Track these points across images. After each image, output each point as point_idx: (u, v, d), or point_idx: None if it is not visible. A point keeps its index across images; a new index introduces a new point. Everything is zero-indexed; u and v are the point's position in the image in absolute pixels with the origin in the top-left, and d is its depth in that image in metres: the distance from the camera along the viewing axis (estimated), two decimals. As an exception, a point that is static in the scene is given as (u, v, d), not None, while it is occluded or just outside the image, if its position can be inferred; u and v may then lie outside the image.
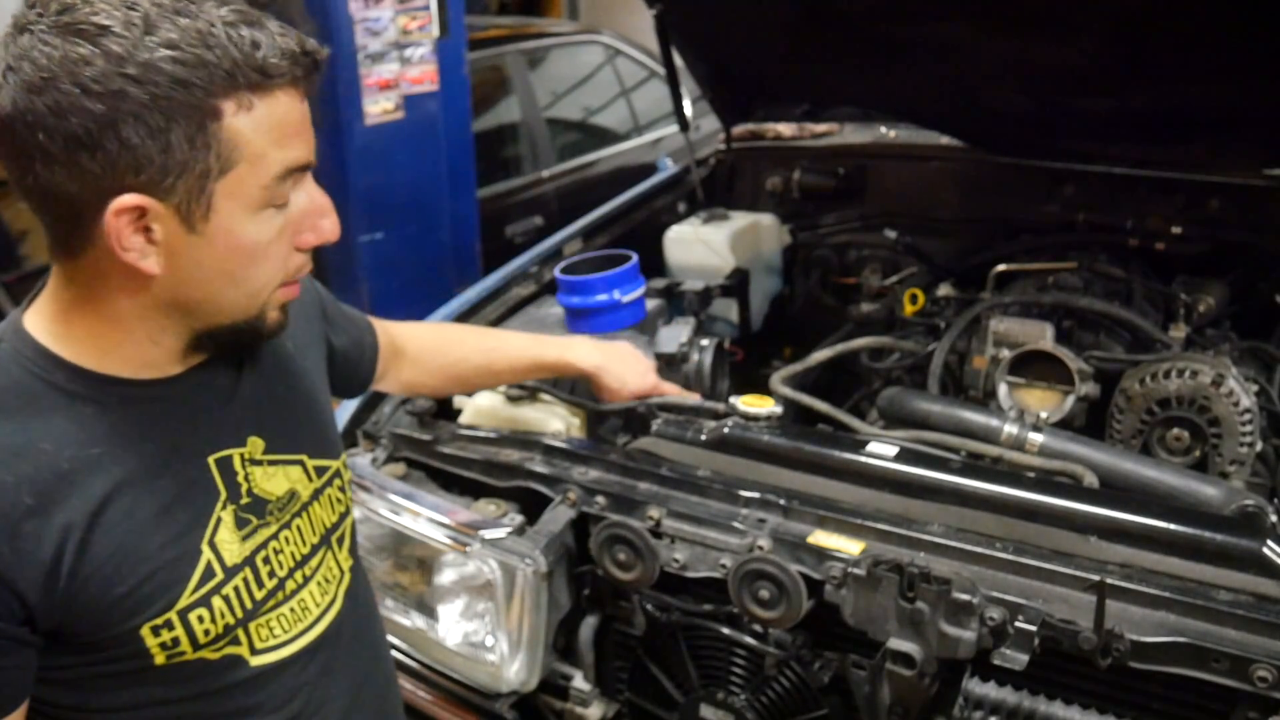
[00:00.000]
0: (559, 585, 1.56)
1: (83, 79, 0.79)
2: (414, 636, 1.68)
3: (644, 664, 1.61)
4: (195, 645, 0.96)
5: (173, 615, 0.94)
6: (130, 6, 0.82)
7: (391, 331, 1.44)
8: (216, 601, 0.97)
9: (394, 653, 1.69)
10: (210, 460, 0.99)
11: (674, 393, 1.67)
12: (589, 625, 1.62)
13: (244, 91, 0.84)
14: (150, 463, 0.94)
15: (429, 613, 1.65)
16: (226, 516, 0.99)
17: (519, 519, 1.56)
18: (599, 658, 1.65)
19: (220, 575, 0.97)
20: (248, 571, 1.00)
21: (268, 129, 0.87)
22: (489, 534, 1.53)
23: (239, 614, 0.99)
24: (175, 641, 0.95)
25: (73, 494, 0.88)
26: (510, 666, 1.58)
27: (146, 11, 0.82)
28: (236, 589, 0.99)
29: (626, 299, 1.81)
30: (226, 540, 0.98)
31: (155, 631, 0.93)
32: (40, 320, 0.93)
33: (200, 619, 0.96)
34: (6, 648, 0.87)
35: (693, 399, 1.66)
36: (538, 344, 1.62)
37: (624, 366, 1.63)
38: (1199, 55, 1.86)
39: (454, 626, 1.63)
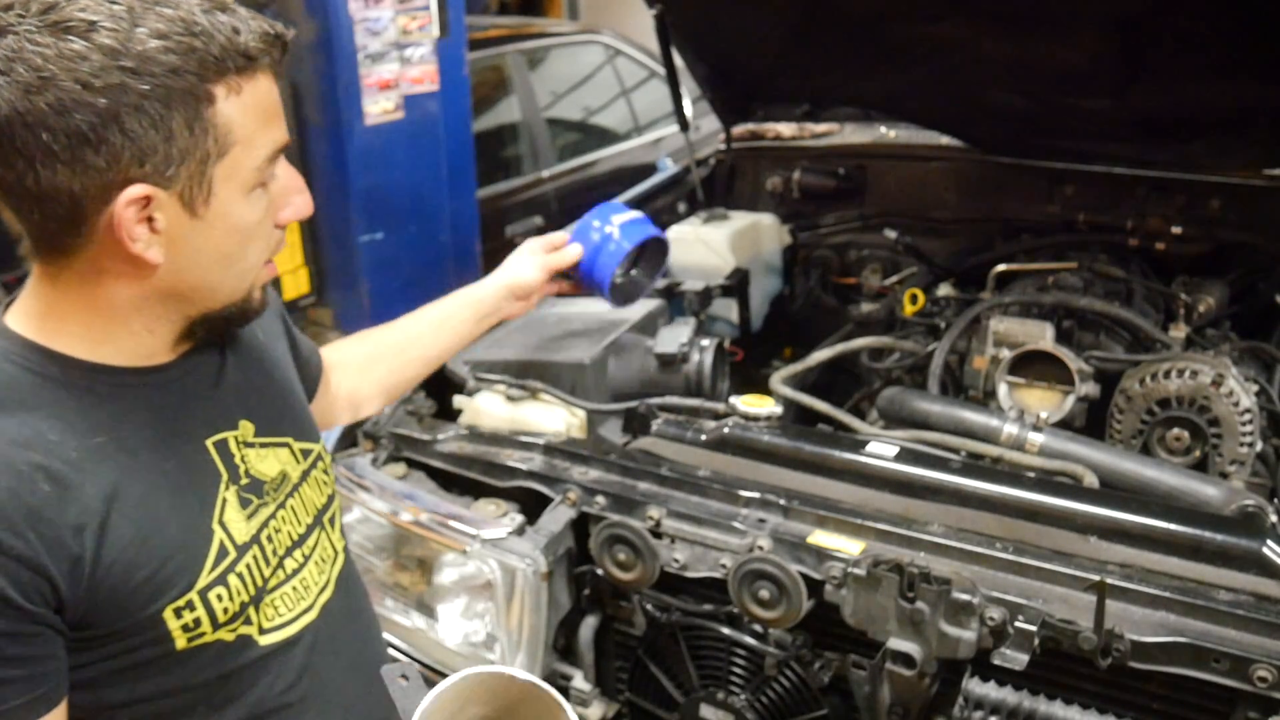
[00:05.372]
0: (559, 585, 1.56)
1: (82, 75, 0.80)
2: (414, 636, 1.68)
3: (644, 664, 1.61)
4: (215, 625, 0.97)
5: (194, 595, 0.95)
6: (113, 0, 0.82)
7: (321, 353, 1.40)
8: (232, 579, 0.98)
9: (394, 653, 1.69)
10: (208, 443, 1.01)
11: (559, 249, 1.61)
12: (589, 625, 1.62)
13: (232, 75, 0.87)
14: (154, 448, 0.95)
15: (429, 613, 1.65)
16: (230, 496, 1.01)
17: (519, 519, 1.56)
18: (599, 658, 1.65)
19: (233, 553, 0.99)
20: (256, 549, 1.02)
21: (255, 111, 0.90)
22: (489, 534, 1.53)
23: (252, 591, 1.01)
24: (197, 622, 0.96)
25: (85, 482, 0.89)
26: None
27: (129, 4, 0.83)
28: (249, 566, 1.00)
29: (618, 223, 1.64)
30: (234, 519, 1.00)
31: (178, 614, 0.94)
32: (25, 318, 0.93)
33: (219, 597, 0.97)
34: (47, 636, 0.87)
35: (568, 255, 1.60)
36: (462, 297, 1.56)
37: (520, 267, 1.56)
38: (1199, 55, 1.86)
39: (454, 626, 1.63)
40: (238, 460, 1.03)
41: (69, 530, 0.87)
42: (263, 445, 1.07)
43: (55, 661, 0.89)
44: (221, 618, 0.97)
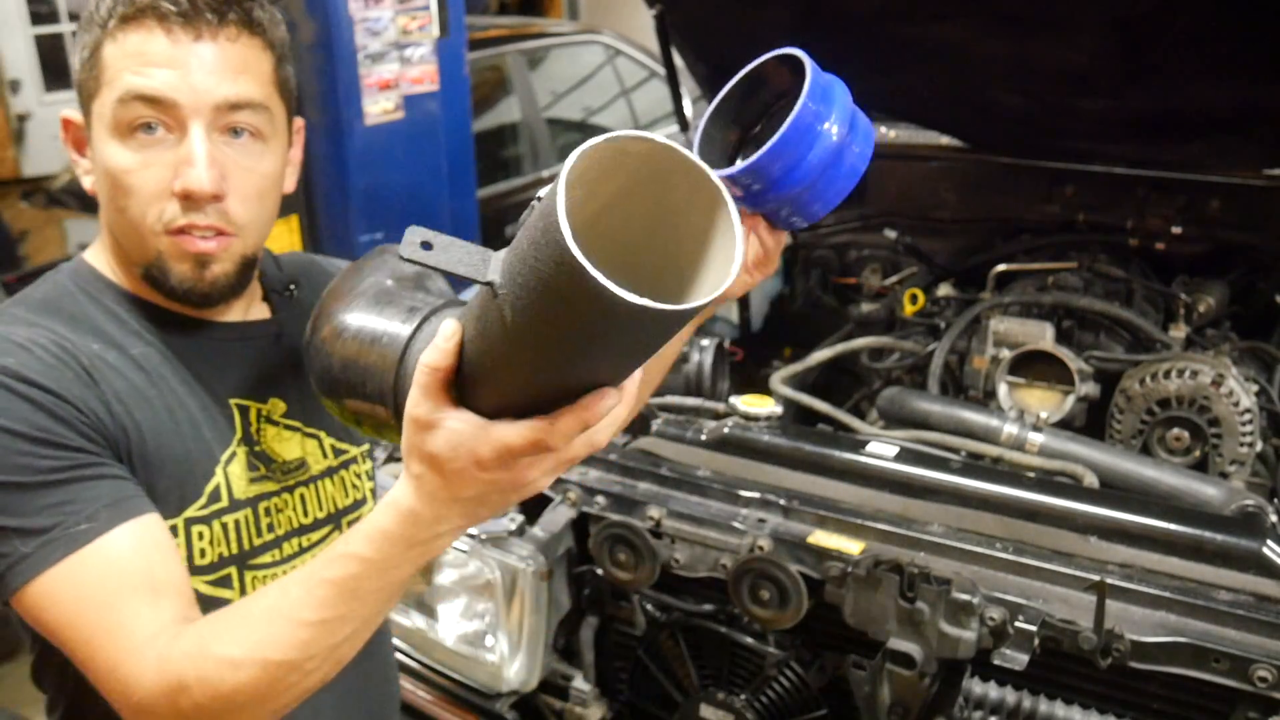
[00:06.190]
0: (559, 585, 1.56)
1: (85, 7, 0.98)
2: (414, 636, 1.68)
3: (644, 664, 1.61)
4: (192, 565, 0.98)
5: (179, 521, 0.98)
6: None
7: None
8: (217, 525, 1.01)
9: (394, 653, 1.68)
10: (231, 402, 1.05)
11: None
12: (589, 625, 1.62)
13: (117, 21, 0.95)
14: (180, 383, 1.01)
15: (429, 613, 1.65)
16: (240, 453, 1.04)
17: (519, 519, 1.56)
18: (599, 658, 1.65)
19: (225, 502, 1.02)
20: (249, 512, 1.04)
21: (127, 55, 0.95)
22: (489, 534, 1.53)
23: (234, 549, 1.02)
24: None
25: (118, 380, 0.96)
26: (510, 666, 1.58)
27: None
28: (237, 523, 1.03)
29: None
30: (237, 474, 1.04)
31: None
32: (94, 249, 1.05)
33: (201, 535, 1.00)
34: (104, 454, 0.91)
35: None
36: None
37: None
38: (1199, 55, 1.86)
39: (454, 626, 1.63)
40: (254, 430, 1.07)
41: (103, 409, 0.93)
42: (287, 428, 1.10)
43: (126, 476, 0.93)
44: (198, 560, 0.99)
